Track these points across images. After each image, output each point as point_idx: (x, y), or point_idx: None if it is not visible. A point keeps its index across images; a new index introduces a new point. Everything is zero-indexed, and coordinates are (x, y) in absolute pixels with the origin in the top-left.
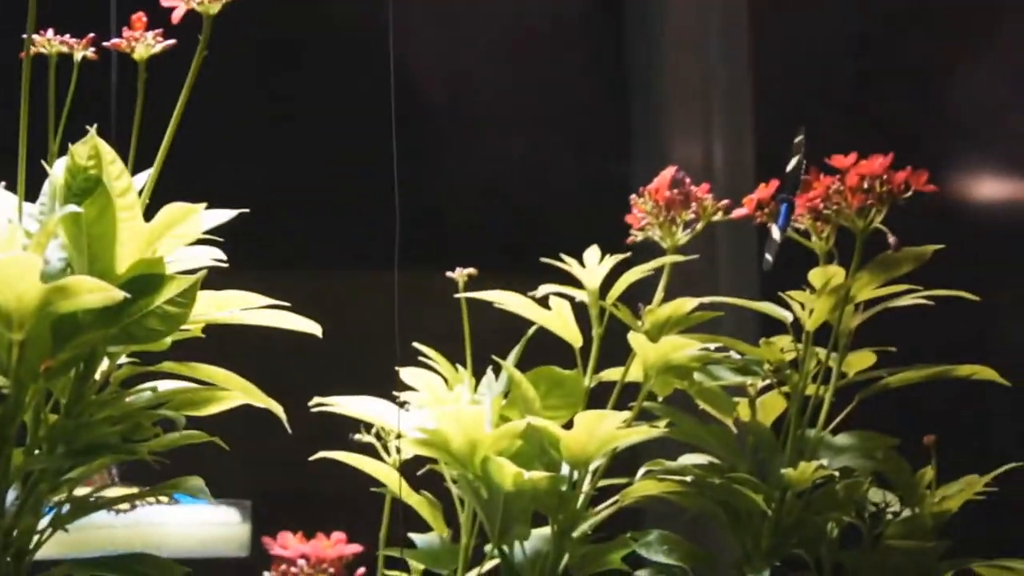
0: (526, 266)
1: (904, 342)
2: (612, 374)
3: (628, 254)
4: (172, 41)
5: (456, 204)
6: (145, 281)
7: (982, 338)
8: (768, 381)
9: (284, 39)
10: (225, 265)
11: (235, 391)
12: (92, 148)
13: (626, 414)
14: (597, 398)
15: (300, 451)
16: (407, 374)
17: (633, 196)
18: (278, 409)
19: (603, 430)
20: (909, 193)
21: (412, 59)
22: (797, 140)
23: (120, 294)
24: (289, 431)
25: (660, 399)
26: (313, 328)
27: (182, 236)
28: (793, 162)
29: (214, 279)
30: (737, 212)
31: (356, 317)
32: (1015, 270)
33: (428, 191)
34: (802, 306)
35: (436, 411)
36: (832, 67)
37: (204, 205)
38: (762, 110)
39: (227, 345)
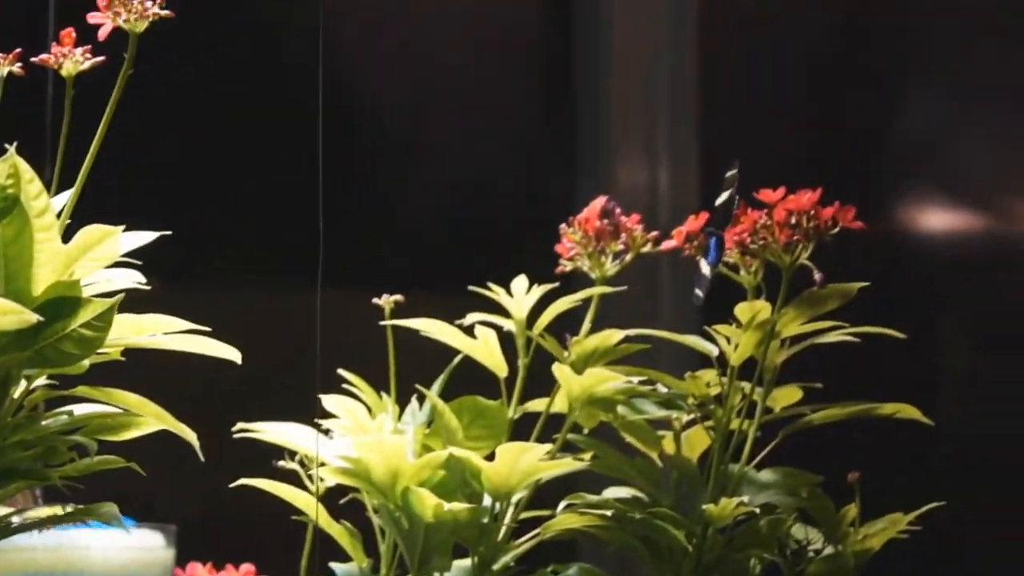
0: (463, 287)
1: (842, 377)
2: (538, 405)
3: (556, 284)
4: (101, 58)
5: (393, 223)
6: (61, 304)
7: (925, 372)
8: (693, 415)
9: (206, 53)
10: (146, 288)
11: (149, 417)
12: (11, 167)
13: (548, 446)
14: (523, 429)
15: (226, 476)
16: (329, 401)
17: (563, 225)
18: (191, 437)
19: (525, 462)
20: (836, 229)
21: (347, 75)
22: (730, 174)
23: (34, 317)
24: (201, 458)
25: (586, 431)
26: (233, 355)
27: (100, 258)
28: (724, 195)
29: (137, 300)
30: (666, 244)
31: (284, 338)
32: (957, 303)
33: (364, 209)
34: (728, 340)
35: (357, 440)
36: (781, 91)
37: (122, 228)
38: (709, 132)
39: (149, 368)
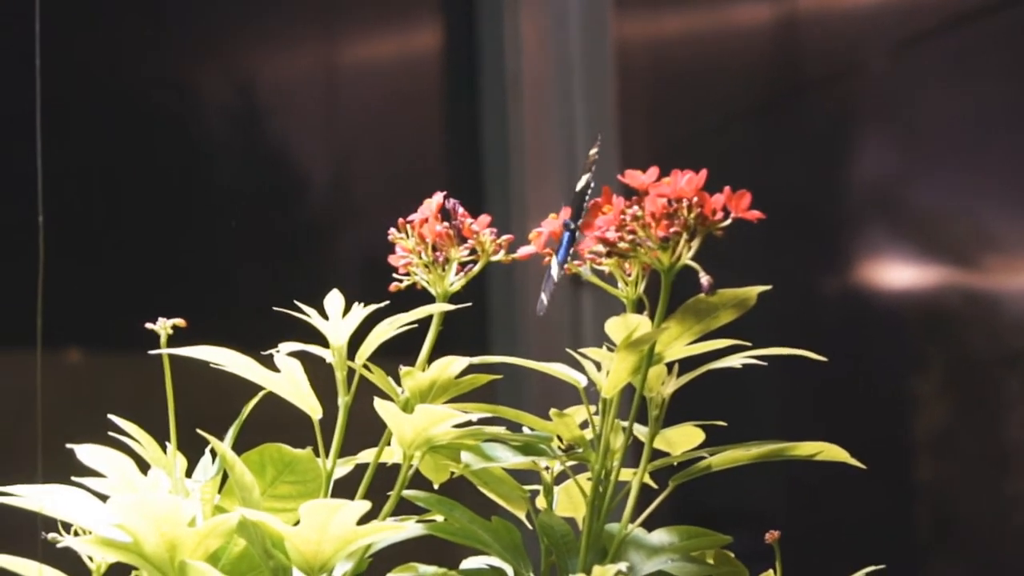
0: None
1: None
2: (368, 455)
3: (385, 303)
4: None
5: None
6: None
7: (896, 429)
8: (569, 464)
9: None
10: None
11: None
12: None
13: (366, 504)
14: (353, 485)
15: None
16: (87, 453)
17: (392, 230)
18: None
19: (338, 526)
20: (728, 221)
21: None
22: (592, 152)
23: None
24: None
25: (436, 486)
26: None
27: None
28: (582, 181)
29: None
30: (523, 251)
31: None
32: (923, 356)
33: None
34: (599, 367)
35: (119, 502)
36: (714, 140)
37: None
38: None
39: None
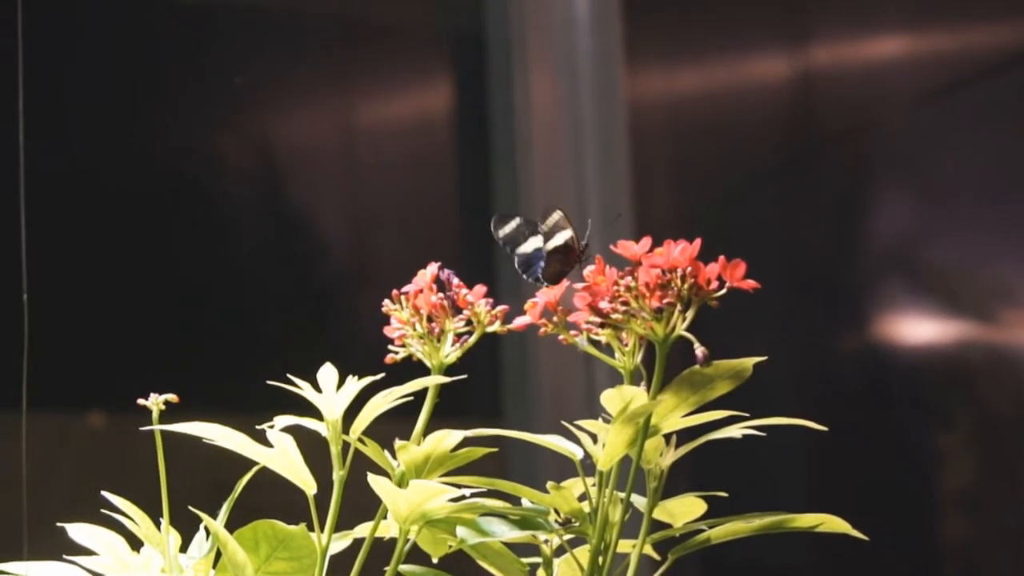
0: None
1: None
2: (364, 530)
3: (381, 375)
4: None
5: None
6: None
7: (918, 489)
8: (568, 536)
9: None
10: None
11: None
12: None
13: None
14: (349, 561)
15: None
16: (78, 532)
17: (386, 302)
18: None
19: None
20: (723, 291)
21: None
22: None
23: None
24: None
25: (435, 560)
26: None
27: None
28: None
29: None
30: (519, 322)
31: None
32: (947, 413)
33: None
34: (594, 439)
35: None
36: (731, 198)
37: None
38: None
39: None
